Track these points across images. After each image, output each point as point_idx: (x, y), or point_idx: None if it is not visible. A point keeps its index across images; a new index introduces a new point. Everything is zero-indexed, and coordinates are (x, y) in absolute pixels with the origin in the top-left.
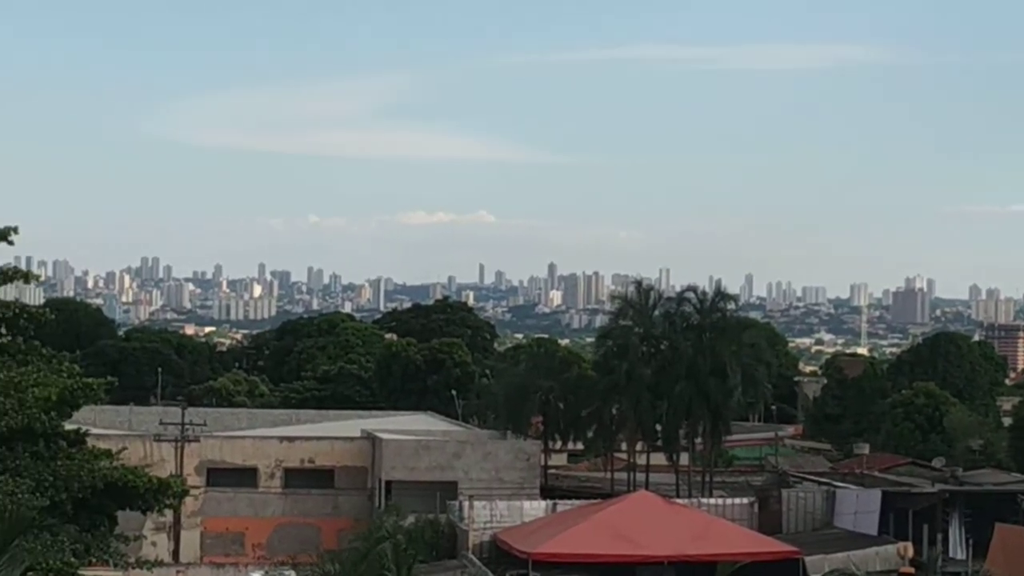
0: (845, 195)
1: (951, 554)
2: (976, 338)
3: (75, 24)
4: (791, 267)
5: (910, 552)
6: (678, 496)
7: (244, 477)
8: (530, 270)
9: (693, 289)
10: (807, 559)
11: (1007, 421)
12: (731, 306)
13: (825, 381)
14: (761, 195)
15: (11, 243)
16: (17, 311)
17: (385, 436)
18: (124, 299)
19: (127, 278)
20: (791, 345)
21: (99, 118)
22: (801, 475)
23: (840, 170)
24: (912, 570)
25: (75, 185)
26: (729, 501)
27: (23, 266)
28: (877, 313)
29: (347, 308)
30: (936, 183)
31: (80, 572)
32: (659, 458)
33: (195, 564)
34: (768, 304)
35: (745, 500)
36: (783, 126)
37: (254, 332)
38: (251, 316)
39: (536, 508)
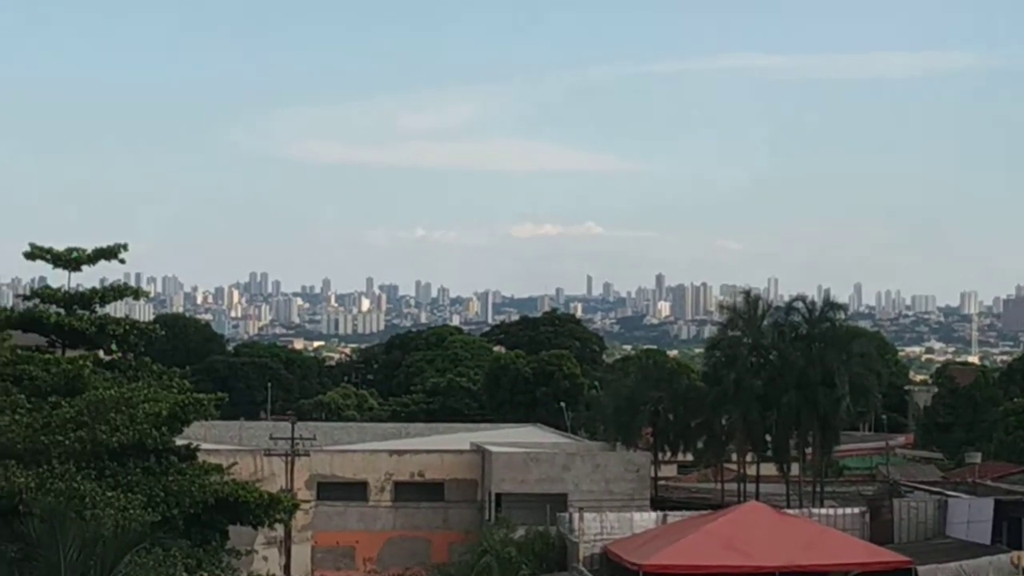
0: (954, 202)
1: None
2: None
3: (183, 39)
4: (900, 276)
5: None
6: (788, 506)
7: (354, 491)
8: (638, 281)
9: (802, 299)
10: (919, 569)
11: None
12: (840, 315)
13: (936, 390)
14: (868, 203)
15: (122, 261)
16: (127, 327)
17: (495, 449)
18: (233, 314)
19: (236, 293)
20: (901, 354)
21: (207, 133)
22: (912, 484)
23: (948, 177)
24: None
25: (184, 201)
26: (840, 511)
27: (132, 283)
28: (988, 321)
29: (455, 321)
30: None
31: None
32: (769, 468)
33: None
34: (877, 313)
35: (856, 510)
36: (886, 134)
37: (363, 346)
38: (359, 330)
39: (646, 519)
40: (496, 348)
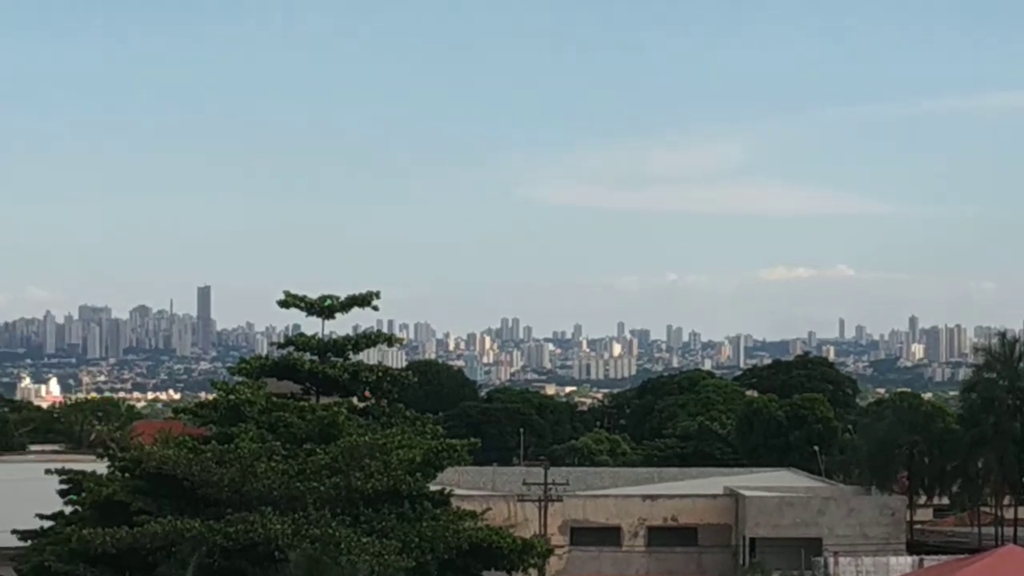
0: None
1: None
2: None
3: (440, 86)
4: None
5: None
6: None
7: (607, 536)
8: (891, 324)
9: None
10: None
11: None
12: None
13: None
14: None
15: (375, 308)
16: (380, 374)
17: (748, 493)
18: (485, 360)
19: (488, 339)
20: None
21: (460, 179)
22: None
23: None
24: None
25: (435, 247)
26: None
27: (385, 330)
28: None
29: (707, 365)
30: None
31: None
32: None
33: None
34: None
35: None
36: None
37: (614, 391)
38: (611, 375)
39: (902, 564)
40: (748, 392)
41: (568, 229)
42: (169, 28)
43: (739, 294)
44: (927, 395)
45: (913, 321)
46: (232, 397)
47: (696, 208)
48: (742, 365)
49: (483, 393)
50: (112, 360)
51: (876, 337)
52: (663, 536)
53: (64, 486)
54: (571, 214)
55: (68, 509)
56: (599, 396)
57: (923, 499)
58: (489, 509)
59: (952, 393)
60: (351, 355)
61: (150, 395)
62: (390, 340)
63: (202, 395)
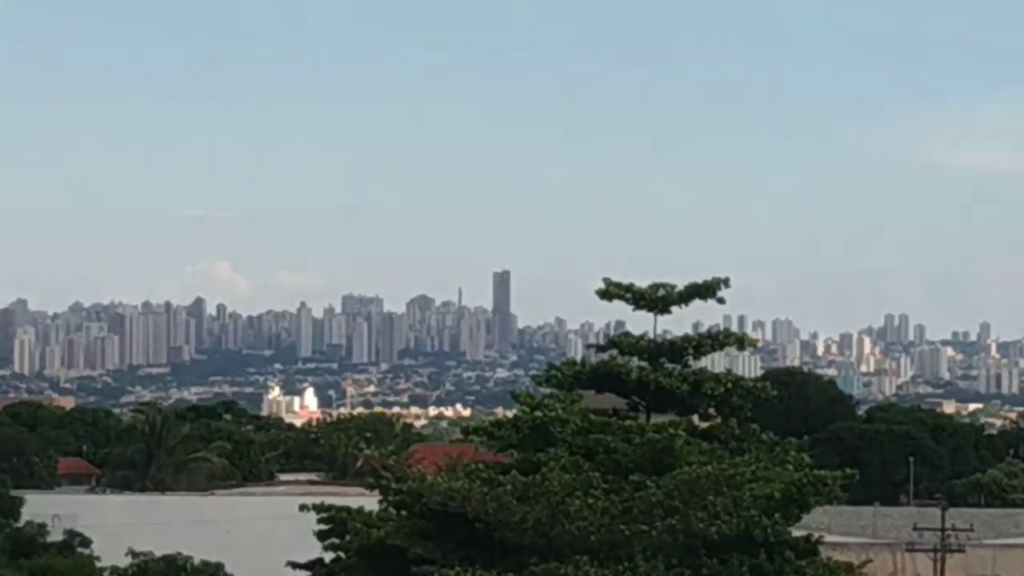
0: None
1: None
2: None
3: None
4: None
5: None
6: None
7: None
8: None
9: None
10: None
11: None
12: None
13: None
14: None
15: (721, 300)
16: (729, 386)
17: None
18: (864, 368)
19: (867, 341)
20: None
21: (829, 137)
22: None
23: None
24: None
25: (800, 224)
26: None
27: (735, 328)
28: None
29: None
30: None
31: None
32: None
33: None
34: None
35: None
36: None
37: None
38: None
39: None
40: None
41: (974, 200)
42: None
43: None
44: None
45: None
46: (539, 414)
47: None
48: None
49: (861, 411)
50: (384, 366)
51: None
52: None
53: (324, 526)
54: (977, 181)
55: (328, 556)
56: (1012, 416)
57: None
58: (870, 561)
59: None
60: (691, 361)
61: (432, 411)
62: (742, 342)
63: (499, 411)
